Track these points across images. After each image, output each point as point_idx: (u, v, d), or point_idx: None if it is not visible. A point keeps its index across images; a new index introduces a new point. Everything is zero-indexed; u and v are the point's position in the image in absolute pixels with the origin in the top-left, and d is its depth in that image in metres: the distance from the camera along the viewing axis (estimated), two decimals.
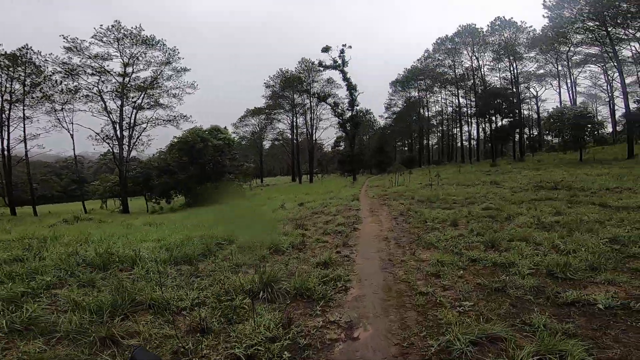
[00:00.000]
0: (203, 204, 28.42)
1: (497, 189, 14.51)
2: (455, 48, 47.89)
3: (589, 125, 25.74)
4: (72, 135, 32.68)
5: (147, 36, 33.80)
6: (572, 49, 39.69)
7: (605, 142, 37.46)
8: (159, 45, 34.51)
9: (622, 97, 44.52)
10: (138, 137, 35.54)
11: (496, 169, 28.51)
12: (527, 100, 48.61)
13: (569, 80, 47.12)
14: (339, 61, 33.39)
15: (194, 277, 4.68)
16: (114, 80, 33.43)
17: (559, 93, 47.25)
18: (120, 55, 33.22)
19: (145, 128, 35.85)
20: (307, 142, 57.29)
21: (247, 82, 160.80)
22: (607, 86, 44.21)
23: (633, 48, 27.92)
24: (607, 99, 46.32)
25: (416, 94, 58.89)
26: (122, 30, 32.69)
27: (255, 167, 65.57)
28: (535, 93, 49.55)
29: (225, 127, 35.78)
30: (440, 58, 50.84)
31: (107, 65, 32.70)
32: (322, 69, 35.63)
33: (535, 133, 54.16)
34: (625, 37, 25.98)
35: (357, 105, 33.56)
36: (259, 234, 7.27)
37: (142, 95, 35.17)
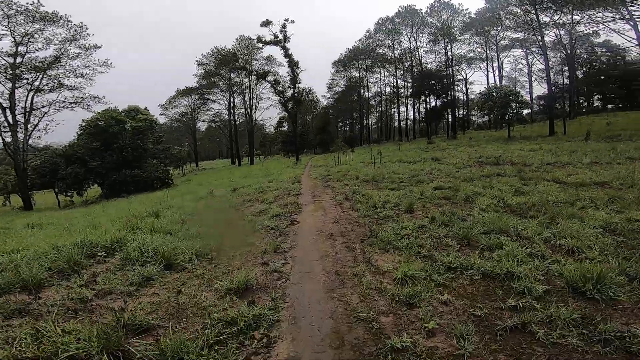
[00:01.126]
0: (122, 194, 24.62)
1: (440, 165, 14.05)
2: (395, 29, 47.68)
3: (516, 104, 27.18)
4: None
5: (46, 12, 27.60)
6: (500, 33, 42.03)
7: (525, 121, 40.75)
8: (62, 21, 28.42)
9: (537, 80, 49.18)
10: (37, 122, 29.32)
11: (433, 146, 29.06)
12: (458, 82, 50.90)
13: (495, 64, 50.49)
14: (280, 36, 30.73)
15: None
16: (2, 62, 26.95)
17: (487, 75, 50.42)
18: (11, 34, 26.80)
19: (46, 112, 29.62)
20: (246, 123, 53.64)
21: (183, 66, 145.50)
22: (527, 69, 47.96)
23: (553, 34, 29.93)
24: (527, 82, 50.57)
25: (357, 74, 58.25)
26: (13, 7, 26.24)
27: (188, 151, 60.20)
28: (465, 76, 52.12)
29: (145, 108, 31.09)
30: (380, 38, 50.35)
31: None
32: (261, 45, 32.40)
33: (464, 113, 57.51)
34: (552, 22, 27.56)
35: (299, 83, 31.52)
36: (159, 238, 5.30)
37: (41, 77, 28.92)
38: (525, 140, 25.06)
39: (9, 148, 27.41)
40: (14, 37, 27.08)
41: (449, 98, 47.72)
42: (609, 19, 26.58)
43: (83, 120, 27.26)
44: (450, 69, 45.16)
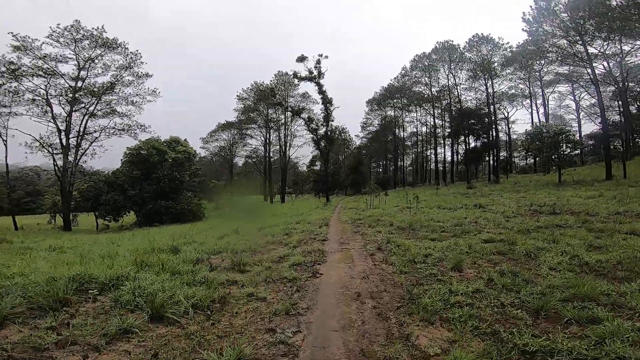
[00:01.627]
0: (155, 223, 25.09)
1: (486, 213, 12.60)
2: (432, 65, 47.57)
3: (567, 145, 24.98)
4: (5, 142, 28.50)
5: (108, 38, 30.76)
6: (544, 68, 40.30)
7: (575, 163, 37.45)
8: (120, 48, 31.47)
9: (585, 117, 46.00)
10: (88, 146, 31.67)
11: (474, 191, 27.22)
12: (499, 121, 48.90)
13: (539, 101, 48.13)
14: (315, 72, 31.24)
15: None
16: (64, 84, 29.90)
17: (531, 113, 48.02)
18: (76, 58, 29.92)
19: (97, 137, 32.06)
20: (280, 160, 54.66)
21: (221, 99, 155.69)
22: (575, 106, 45.19)
23: (601, 66, 27.85)
24: (574, 120, 47.37)
25: (392, 112, 58.24)
26: (81, 31, 29.57)
27: (224, 185, 61.87)
28: (506, 114, 50.11)
29: (185, 139, 32.56)
30: (417, 75, 50.41)
31: (58, 68, 29.20)
32: (297, 80, 33.31)
33: (506, 155, 54.59)
34: (600, 53, 25.87)
35: (332, 121, 31.65)
36: (162, 280, 4.66)
37: (96, 102, 31.63)
38: (579, 186, 22.63)
39: (59, 170, 29.40)
40: (77, 61, 29.99)
41: (490, 138, 45.75)
42: None
43: (127, 147, 28.88)
44: (492, 106, 43.67)
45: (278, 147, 53.00)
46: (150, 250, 8.34)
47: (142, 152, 27.43)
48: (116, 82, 32.33)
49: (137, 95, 33.32)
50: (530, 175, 42.20)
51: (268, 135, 53.68)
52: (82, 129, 30.73)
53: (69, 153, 29.59)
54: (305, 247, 7.48)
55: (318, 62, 30.51)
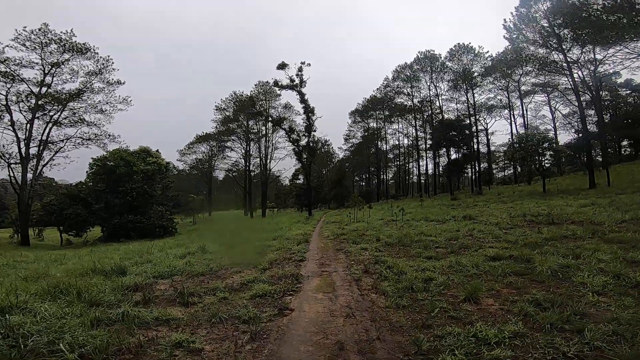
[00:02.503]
0: (121, 239, 22.94)
1: (478, 225, 11.58)
2: (415, 75, 47.41)
3: (552, 153, 24.73)
4: None
5: (78, 43, 28.76)
6: (522, 78, 40.99)
7: (553, 173, 37.67)
8: (89, 53, 29.45)
9: (561, 127, 46.96)
10: (52, 157, 28.98)
11: (458, 203, 26.55)
12: (478, 133, 49.16)
13: (516, 112, 48.78)
14: (297, 80, 29.95)
15: None
16: (27, 89, 27.54)
17: (510, 124, 48.51)
18: (42, 62, 27.73)
19: (61, 147, 29.46)
20: (261, 173, 52.94)
21: (201, 111, 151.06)
22: (551, 116, 46.03)
23: (576, 75, 28.17)
24: (550, 130, 48.05)
25: (375, 124, 57.89)
26: (49, 35, 27.51)
27: (202, 199, 59.34)
28: (485, 126, 50.54)
29: (157, 150, 30.54)
30: (400, 86, 50.19)
31: (22, 73, 26.92)
32: (277, 89, 31.84)
33: (486, 166, 54.90)
34: (575, 62, 26.12)
35: (315, 131, 30.37)
36: (73, 311, 3.22)
37: (61, 109, 29.27)
38: (564, 195, 22.24)
39: (17, 182, 26.65)
40: (43, 66, 27.74)
41: (471, 150, 45.94)
42: (633, 56, 25.05)
43: (92, 158, 26.61)
44: (472, 117, 43.95)
45: (258, 159, 51.34)
46: (90, 271, 6.92)
47: (109, 163, 25.30)
48: (84, 89, 30.16)
49: (107, 103, 31.21)
50: (512, 186, 42.35)
51: (248, 147, 52.01)
52: (44, 138, 28.23)
53: (29, 164, 27.02)
54: (277, 271, 6.08)
55: (300, 69, 29.49)
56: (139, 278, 6.24)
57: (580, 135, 37.92)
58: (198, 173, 67.98)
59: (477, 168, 45.00)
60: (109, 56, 30.01)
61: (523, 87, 44.09)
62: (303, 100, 29.68)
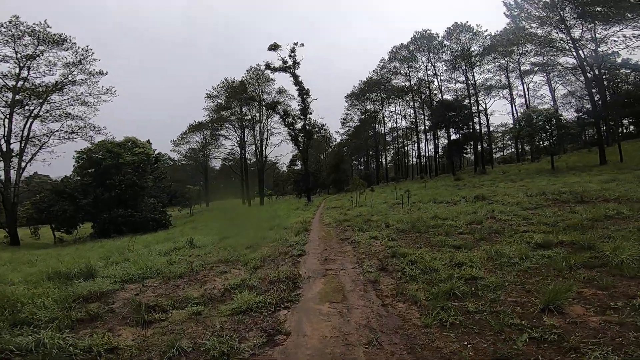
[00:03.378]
0: (112, 234, 21.78)
1: (495, 205, 10.41)
2: (412, 55, 45.58)
3: (561, 130, 23.45)
4: None
5: (52, 34, 26.92)
6: (521, 58, 39.53)
7: (558, 151, 36.62)
8: (66, 44, 27.61)
9: (561, 107, 45.67)
10: (36, 152, 27.52)
11: (464, 183, 25.49)
12: (478, 113, 47.72)
13: (514, 92, 47.32)
14: (289, 61, 28.04)
15: None
16: (1, 84, 25.85)
17: (511, 103, 47.18)
18: (16, 56, 25.97)
19: (45, 142, 27.96)
20: (256, 160, 51.46)
21: (192, 100, 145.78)
22: (551, 95, 44.63)
23: (574, 55, 26.79)
24: (550, 109, 46.66)
25: (372, 107, 56.08)
26: (21, 27, 25.67)
27: (199, 190, 57.94)
28: (485, 106, 49.11)
29: (148, 140, 28.99)
30: (396, 66, 48.25)
31: None
32: (269, 71, 29.81)
33: (486, 146, 53.72)
34: (577, 41, 24.68)
35: (311, 113, 28.84)
36: None
37: (42, 103, 27.62)
38: (576, 172, 21.15)
39: (0, 180, 25.29)
40: (17, 59, 26.08)
41: (471, 130, 44.71)
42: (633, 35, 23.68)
43: (76, 151, 25.16)
44: (472, 98, 42.47)
45: (254, 146, 49.76)
46: (53, 274, 5.82)
47: (94, 155, 23.82)
48: (64, 82, 28.44)
49: (90, 94, 29.51)
50: (516, 164, 41.19)
51: (242, 134, 50.33)
52: (26, 133, 26.71)
53: (11, 161, 25.56)
54: (270, 271, 4.88)
55: (292, 50, 27.68)
56: (105, 283, 5.13)
57: (581, 114, 36.90)
58: (193, 163, 66.34)
59: (480, 147, 43.76)
60: (87, 46, 28.31)
61: (523, 67, 42.56)
62: (297, 82, 27.95)
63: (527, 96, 45.74)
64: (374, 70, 52.86)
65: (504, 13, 36.32)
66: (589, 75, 29.62)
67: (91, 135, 28.75)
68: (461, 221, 7.91)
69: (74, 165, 26.58)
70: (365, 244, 6.36)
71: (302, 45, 27.80)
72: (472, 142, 46.66)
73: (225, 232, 11.87)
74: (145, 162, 26.97)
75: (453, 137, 47.35)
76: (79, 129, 27.96)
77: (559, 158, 34.23)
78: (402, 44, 46.91)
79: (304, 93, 28.01)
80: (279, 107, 33.52)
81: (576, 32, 25.74)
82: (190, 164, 66.99)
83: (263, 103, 37.12)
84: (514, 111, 47.43)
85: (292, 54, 27.70)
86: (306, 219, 13.00)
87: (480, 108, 48.07)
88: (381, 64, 50.53)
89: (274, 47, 27.43)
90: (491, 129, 52.54)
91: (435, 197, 15.75)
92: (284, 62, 27.89)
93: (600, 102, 38.41)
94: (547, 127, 23.08)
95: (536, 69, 41.36)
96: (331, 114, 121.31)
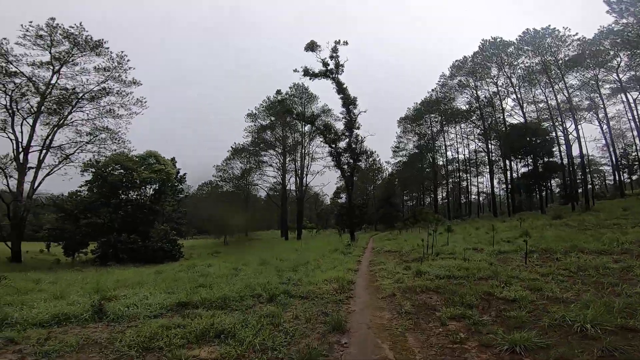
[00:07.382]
0: (109, 263, 17.67)
1: None
2: (483, 63, 38.25)
3: None
4: None
5: (89, 38, 25.51)
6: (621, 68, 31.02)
7: None
8: (100, 48, 25.99)
9: None
10: (59, 164, 24.97)
11: (574, 222, 17.72)
12: (566, 136, 38.22)
13: (601, 114, 37.48)
14: (331, 64, 23.25)
15: None
16: (32, 89, 24.54)
17: (602, 127, 37.44)
18: (51, 60, 24.77)
19: (72, 153, 25.39)
20: (295, 189, 46.79)
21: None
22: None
23: None
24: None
25: (429, 131, 48.88)
26: (58, 31, 24.65)
27: (235, 218, 54.23)
28: (575, 129, 39.57)
29: (173, 158, 25.55)
30: (462, 82, 40.87)
31: (27, 72, 24.04)
32: (308, 77, 24.65)
33: (580, 176, 43.24)
34: None
35: (358, 128, 23.61)
36: None
37: (71, 110, 25.74)
38: None
39: (10, 191, 22.80)
40: (52, 64, 24.49)
41: (552, 158, 36.26)
42: None
43: (83, 163, 22.04)
44: (559, 118, 34.23)
45: (294, 173, 45.31)
46: None
47: (100, 169, 20.57)
48: (97, 89, 26.56)
49: (121, 106, 27.24)
50: (618, 200, 31.25)
51: (284, 160, 46.32)
52: (48, 142, 24.54)
53: (25, 174, 23.34)
54: None
55: (334, 49, 23.12)
56: None
57: None
58: (234, 190, 63.58)
59: (570, 178, 34.81)
60: (122, 52, 26.25)
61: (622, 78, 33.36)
62: (341, 89, 22.73)
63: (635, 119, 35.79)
64: (433, 89, 46.69)
65: (607, 11, 29.21)
66: None
67: (114, 149, 25.88)
68: None
69: (86, 181, 23.60)
70: None
71: (346, 43, 22.99)
72: (554, 173, 37.91)
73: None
74: (165, 182, 23.19)
75: (526, 168, 39.10)
76: (96, 137, 25.19)
77: None
78: (465, 57, 40.66)
79: (349, 103, 22.72)
80: (319, 121, 28.62)
81: None
82: (232, 191, 64.37)
83: (301, 117, 32.22)
84: (609, 137, 37.53)
85: (334, 54, 22.80)
86: (345, 276, 7.09)
87: (561, 131, 38.87)
88: (441, 80, 44.24)
89: (312, 46, 22.80)
90: (583, 155, 42.22)
91: (574, 243, 9.07)
92: (325, 64, 23.02)
93: None
94: None
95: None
96: (379, 143, 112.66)
